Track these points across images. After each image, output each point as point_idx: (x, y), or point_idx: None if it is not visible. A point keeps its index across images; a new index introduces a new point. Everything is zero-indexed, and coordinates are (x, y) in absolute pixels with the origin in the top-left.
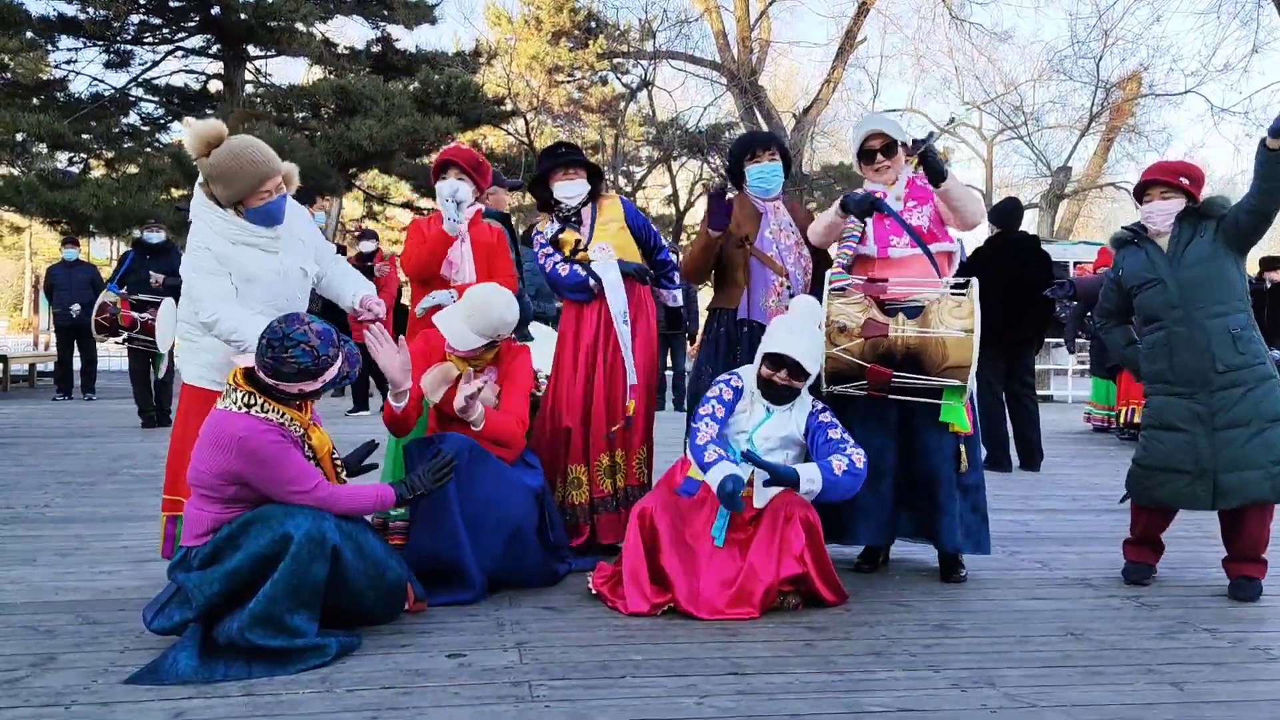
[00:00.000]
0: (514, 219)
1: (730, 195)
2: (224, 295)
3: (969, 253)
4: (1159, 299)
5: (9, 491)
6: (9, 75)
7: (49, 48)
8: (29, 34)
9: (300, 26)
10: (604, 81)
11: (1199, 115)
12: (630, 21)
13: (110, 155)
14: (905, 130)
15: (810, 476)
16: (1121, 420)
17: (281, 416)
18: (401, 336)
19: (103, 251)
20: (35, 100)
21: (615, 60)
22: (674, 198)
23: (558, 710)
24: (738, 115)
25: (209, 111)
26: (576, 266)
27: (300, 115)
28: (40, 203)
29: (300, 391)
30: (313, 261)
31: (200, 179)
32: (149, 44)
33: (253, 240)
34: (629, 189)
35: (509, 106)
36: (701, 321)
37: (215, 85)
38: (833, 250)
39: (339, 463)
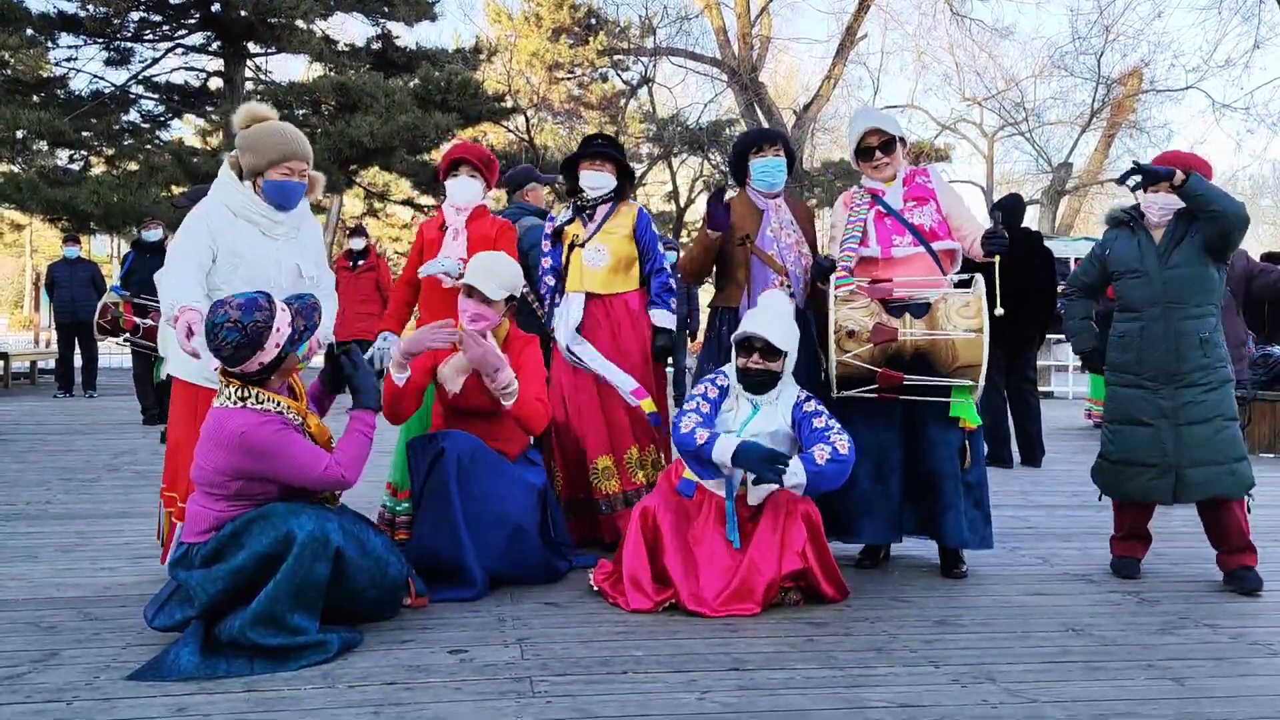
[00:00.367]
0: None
1: (730, 195)
2: (186, 267)
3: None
4: (1141, 291)
5: (11, 488)
6: (9, 72)
7: (49, 45)
8: (29, 31)
9: (300, 24)
10: (604, 78)
11: (1200, 111)
12: (630, 18)
13: (111, 152)
14: (903, 126)
15: (793, 470)
16: None
17: (278, 406)
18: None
19: (103, 249)
20: (36, 97)
21: (615, 57)
22: (674, 194)
23: (559, 705)
24: (738, 112)
25: (209, 109)
26: (548, 277)
27: (301, 112)
28: (41, 200)
29: (262, 365)
30: (312, 265)
31: (228, 154)
32: (149, 41)
33: (255, 217)
34: None
35: (509, 103)
36: (703, 320)
37: (216, 82)
38: (835, 253)
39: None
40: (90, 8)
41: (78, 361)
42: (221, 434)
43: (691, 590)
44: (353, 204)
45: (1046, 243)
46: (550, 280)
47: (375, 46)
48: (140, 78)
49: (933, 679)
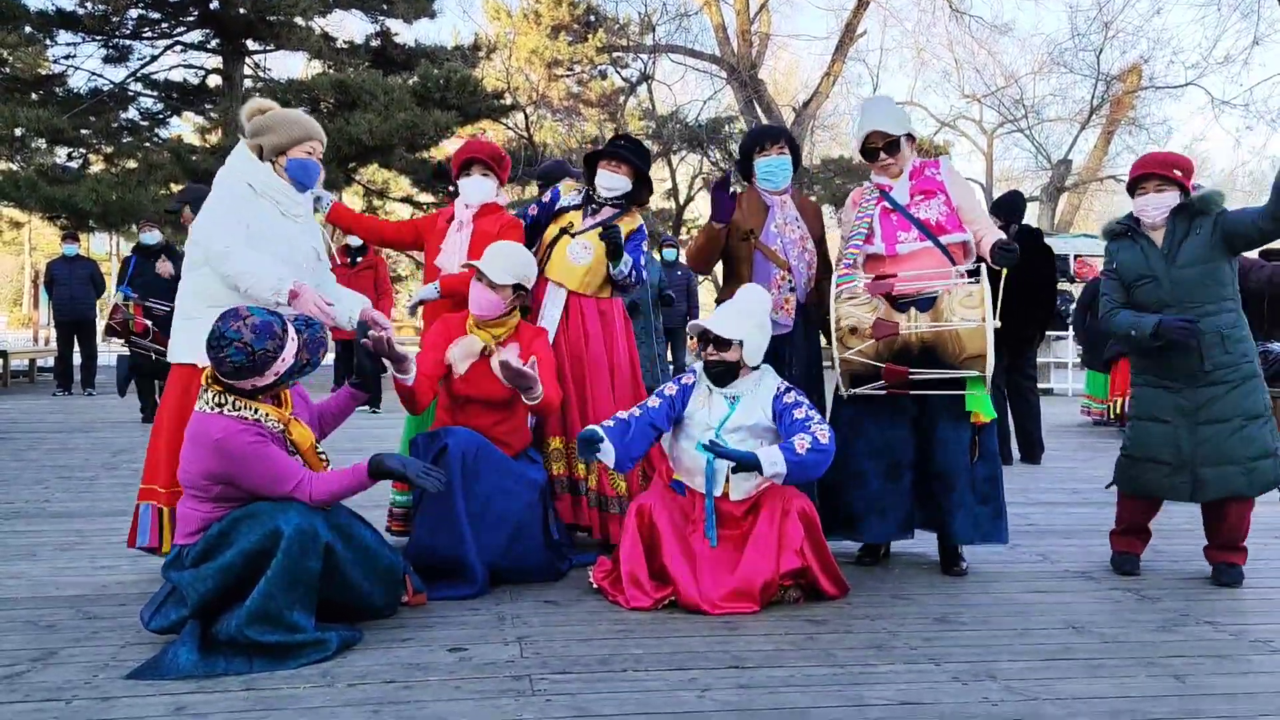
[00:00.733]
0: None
1: (734, 188)
2: (240, 237)
3: None
4: (1152, 295)
5: (9, 486)
6: (8, 70)
7: (48, 42)
8: (28, 29)
9: (299, 21)
10: (603, 75)
11: (1199, 108)
12: (630, 15)
13: (109, 150)
14: (909, 119)
15: (772, 460)
16: (1113, 412)
17: (256, 413)
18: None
19: (102, 247)
20: (34, 95)
21: (615, 54)
22: (674, 192)
23: (559, 704)
24: (737, 109)
25: (208, 106)
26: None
27: (300, 110)
28: (40, 198)
29: (254, 387)
30: (323, 246)
31: (244, 140)
32: (148, 39)
33: (277, 196)
34: None
35: (508, 101)
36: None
37: (214, 80)
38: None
39: (324, 456)
40: (89, 5)
41: (76, 360)
42: (200, 437)
43: (691, 587)
44: (351, 201)
45: (1046, 239)
46: (531, 211)
47: (374, 44)
48: (139, 75)
49: (933, 677)
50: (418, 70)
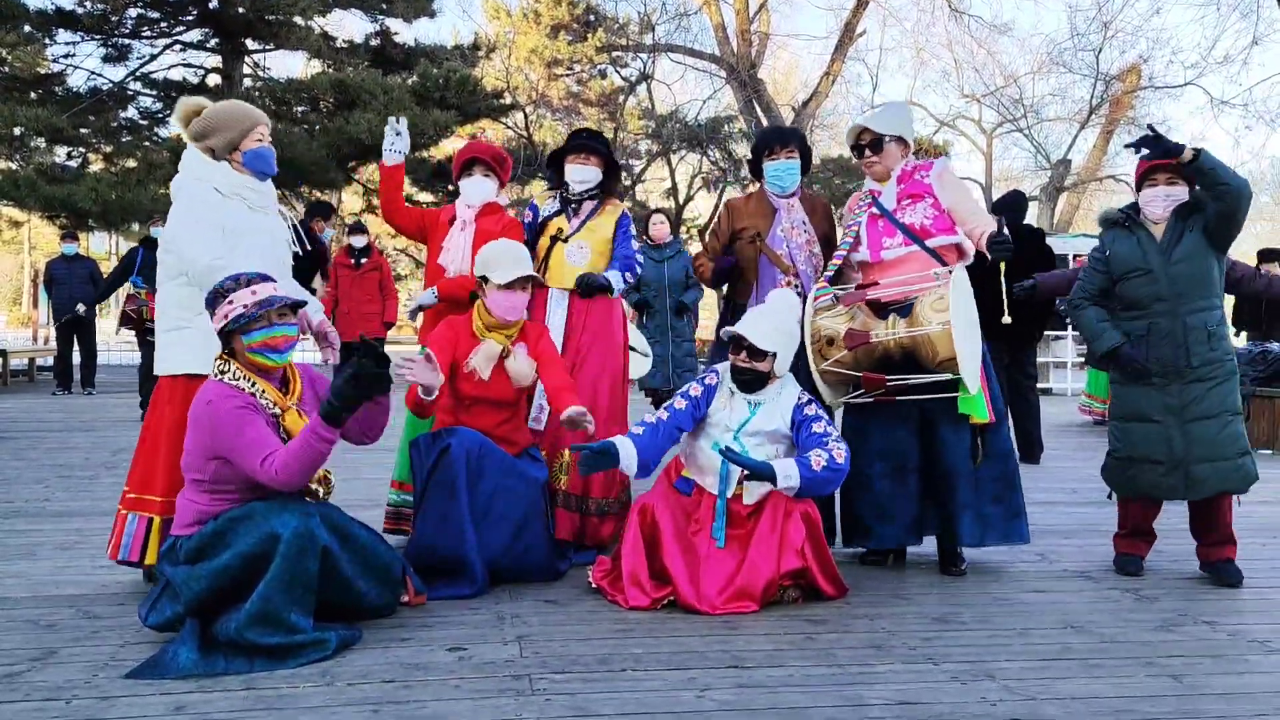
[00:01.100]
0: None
1: (734, 193)
2: (214, 239)
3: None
4: (1146, 289)
5: (9, 486)
6: (7, 69)
7: (47, 41)
8: (27, 28)
9: (299, 20)
10: (603, 75)
11: (1199, 107)
12: (629, 15)
13: (109, 149)
14: (907, 124)
15: (787, 473)
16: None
17: (253, 386)
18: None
19: (102, 246)
20: (33, 94)
21: (614, 54)
22: (673, 191)
23: (558, 703)
24: (737, 109)
25: None
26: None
27: (299, 109)
28: (39, 197)
29: (216, 332)
30: (288, 234)
31: (190, 145)
32: (147, 38)
33: (242, 192)
34: (628, 182)
35: (508, 100)
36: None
37: (214, 79)
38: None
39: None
40: (88, 4)
41: (76, 359)
42: (195, 405)
43: (690, 587)
44: (351, 200)
45: (1045, 239)
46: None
47: (374, 43)
48: (138, 74)
49: (932, 676)
50: (417, 70)
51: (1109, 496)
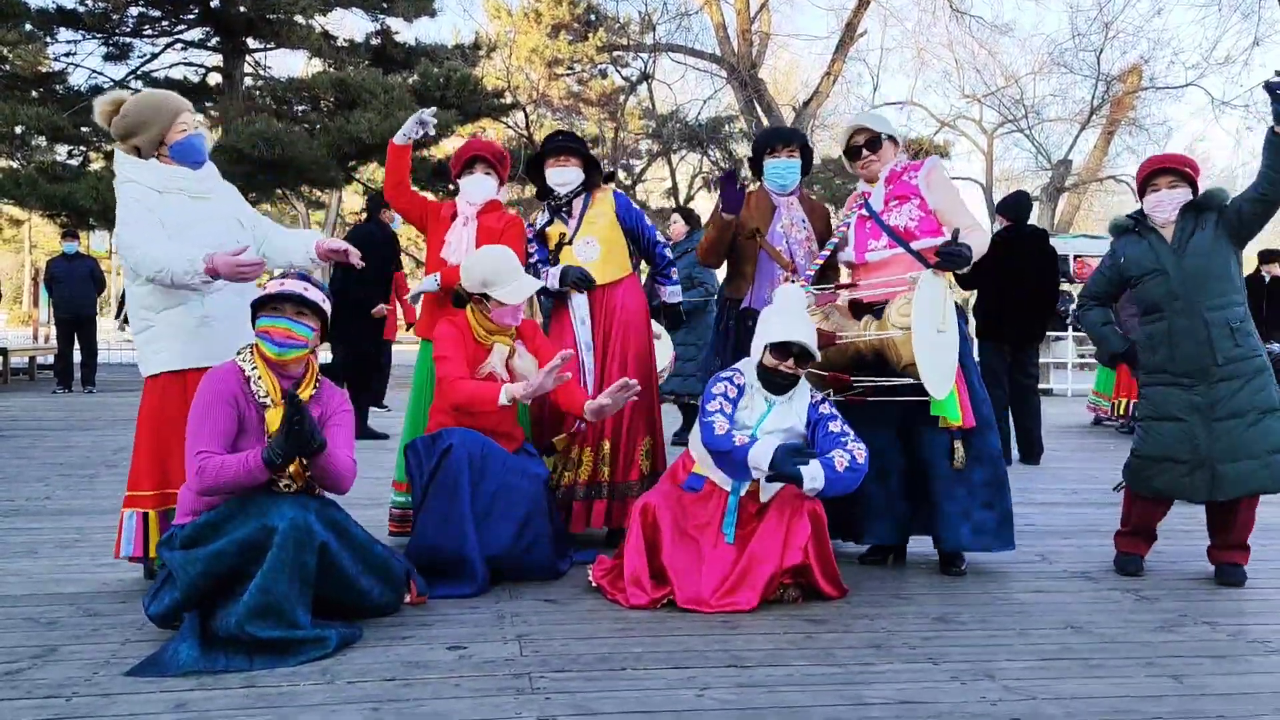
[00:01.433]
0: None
1: (744, 182)
2: (153, 236)
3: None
4: (1161, 289)
5: (10, 484)
6: (8, 67)
7: (48, 40)
8: (28, 26)
9: (300, 19)
10: (603, 74)
11: (1200, 108)
12: (630, 14)
13: (110, 148)
14: (903, 122)
15: (813, 475)
16: (1116, 411)
17: (254, 370)
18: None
19: (102, 244)
20: (34, 93)
21: (615, 53)
22: (674, 191)
23: (558, 702)
24: (738, 108)
25: (208, 104)
26: (544, 269)
27: (300, 108)
28: (40, 195)
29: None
30: (246, 212)
31: (118, 145)
32: (148, 36)
33: (180, 184)
34: (629, 182)
35: (508, 99)
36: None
37: (214, 78)
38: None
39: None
40: (89, 3)
41: (77, 357)
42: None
43: (688, 588)
44: (352, 200)
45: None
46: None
47: (374, 42)
48: (139, 73)
49: (932, 676)
50: (418, 69)
51: (1115, 489)
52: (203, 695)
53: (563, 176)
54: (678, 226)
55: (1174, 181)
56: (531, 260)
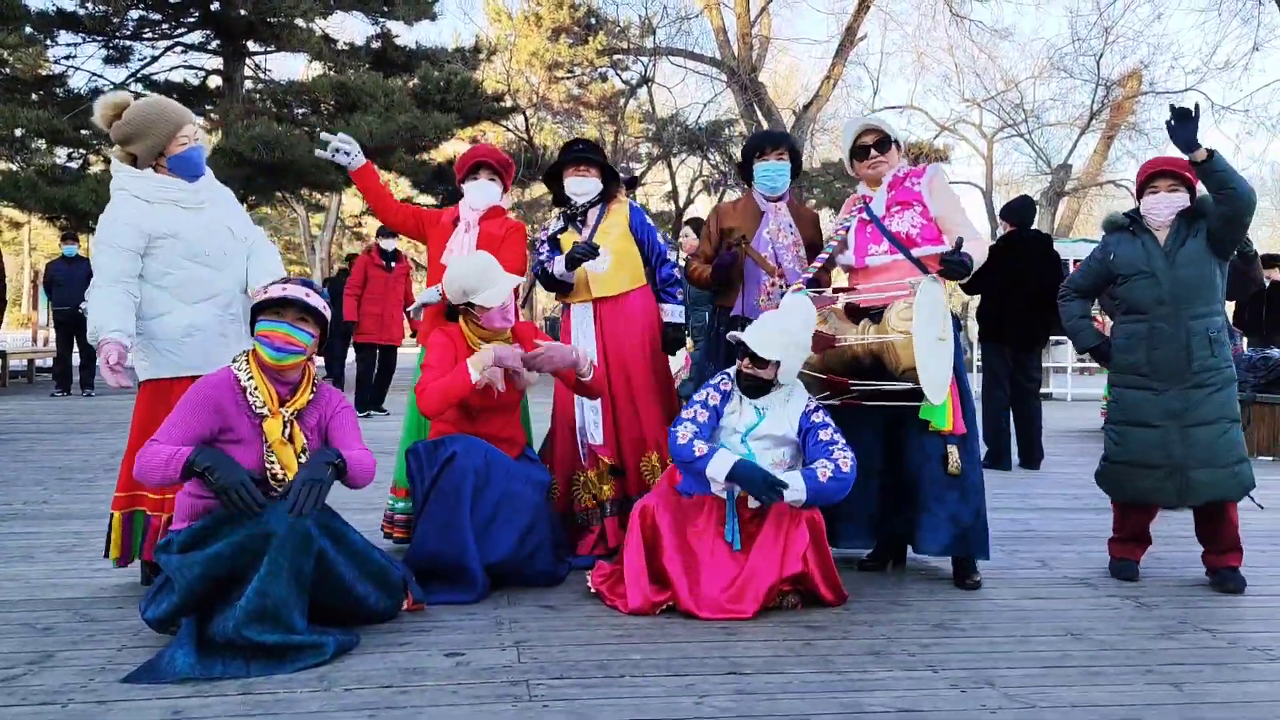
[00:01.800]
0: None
1: (733, 198)
2: (113, 293)
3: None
4: (1149, 292)
5: (7, 487)
6: (8, 70)
7: (48, 43)
8: (28, 29)
9: (300, 22)
10: (604, 78)
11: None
12: (630, 18)
13: (109, 152)
14: (903, 126)
15: (795, 486)
16: None
17: (250, 380)
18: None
19: None
20: (34, 96)
21: (615, 57)
22: (674, 194)
23: (556, 709)
24: (738, 112)
25: (208, 108)
26: (561, 266)
27: (300, 111)
28: (39, 198)
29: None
30: (240, 223)
31: (115, 149)
32: (148, 40)
33: (173, 195)
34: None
35: (509, 103)
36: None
37: (215, 81)
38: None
39: (303, 461)
40: (89, 6)
41: (75, 360)
42: None
43: (690, 591)
44: (352, 203)
45: (1052, 245)
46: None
47: (375, 46)
48: (139, 76)
49: (931, 683)
50: (418, 72)
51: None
52: (199, 702)
53: (581, 186)
54: (690, 241)
55: (1174, 185)
56: (541, 259)
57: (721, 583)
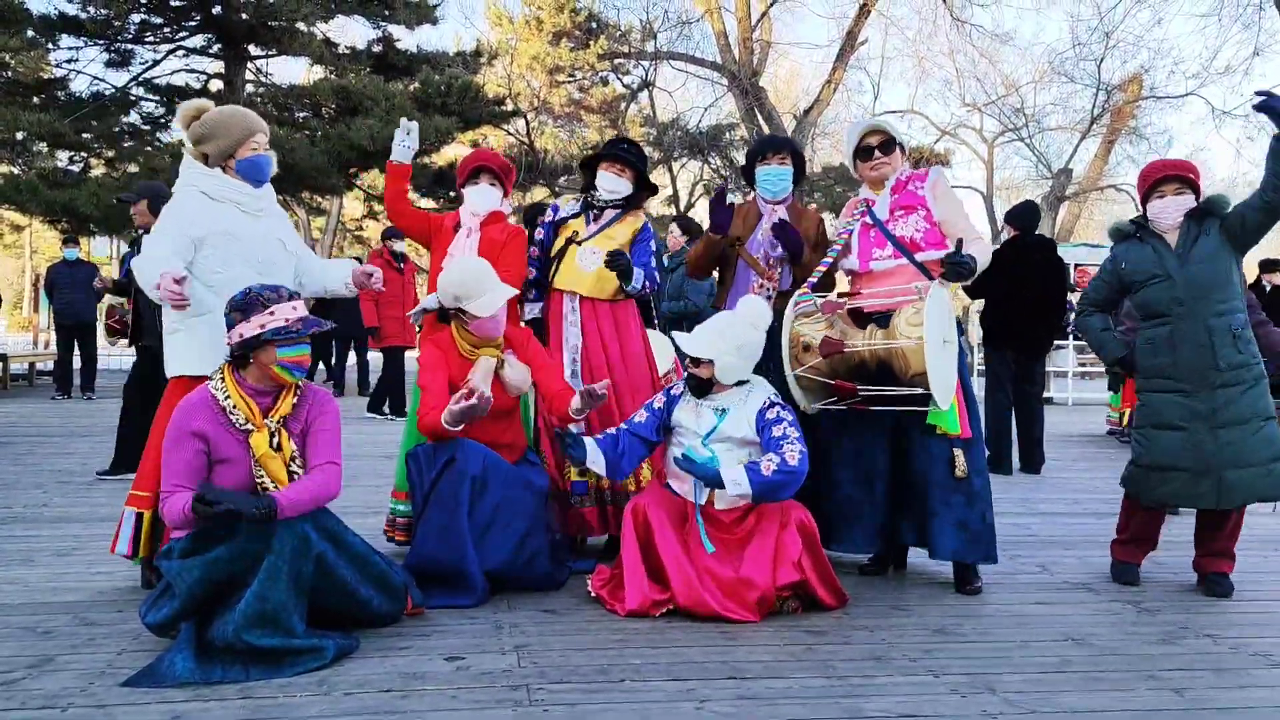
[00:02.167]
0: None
1: (732, 198)
2: (164, 255)
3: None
4: (1165, 295)
5: (7, 491)
6: (10, 74)
7: (50, 46)
8: (30, 32)
9: (301, 26)
10: (605, 82)
11: (1200, 118)
12: (631, 22)
13: (111, 154)
14: (903, 131)
15: (736, 480)
16: (1125, 421)
17: (227, 398)
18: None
19: (103, 250)
20: (36, 99)
21: (616, 61)
22: (674, 198)
23: (556, 714)
24: (738, 116)
25: None
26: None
27: (301, 115)
28: (41, 201)
29: (241, 339)
30: (292, 238)
31: (189, 148)
32: (150, 43)
33: (235, 197)
34: None
35: (510, 107)
36: None
37: (216, 85)
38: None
39: (297, 472)
40: (91, 10)
41: (76, 364)
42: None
43: (687, 586)
44: (352, 206)
45: (1056, 250)
46: (533, 251)
47: (376, 49)
48: (141, 80)
49: (932, 689)
50: (419, 76)
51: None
52: (199, 706)
53: (614, 184)
54: (674, 237)
55: (1179, 189)
56: (539, 236)
57: (718, 589)
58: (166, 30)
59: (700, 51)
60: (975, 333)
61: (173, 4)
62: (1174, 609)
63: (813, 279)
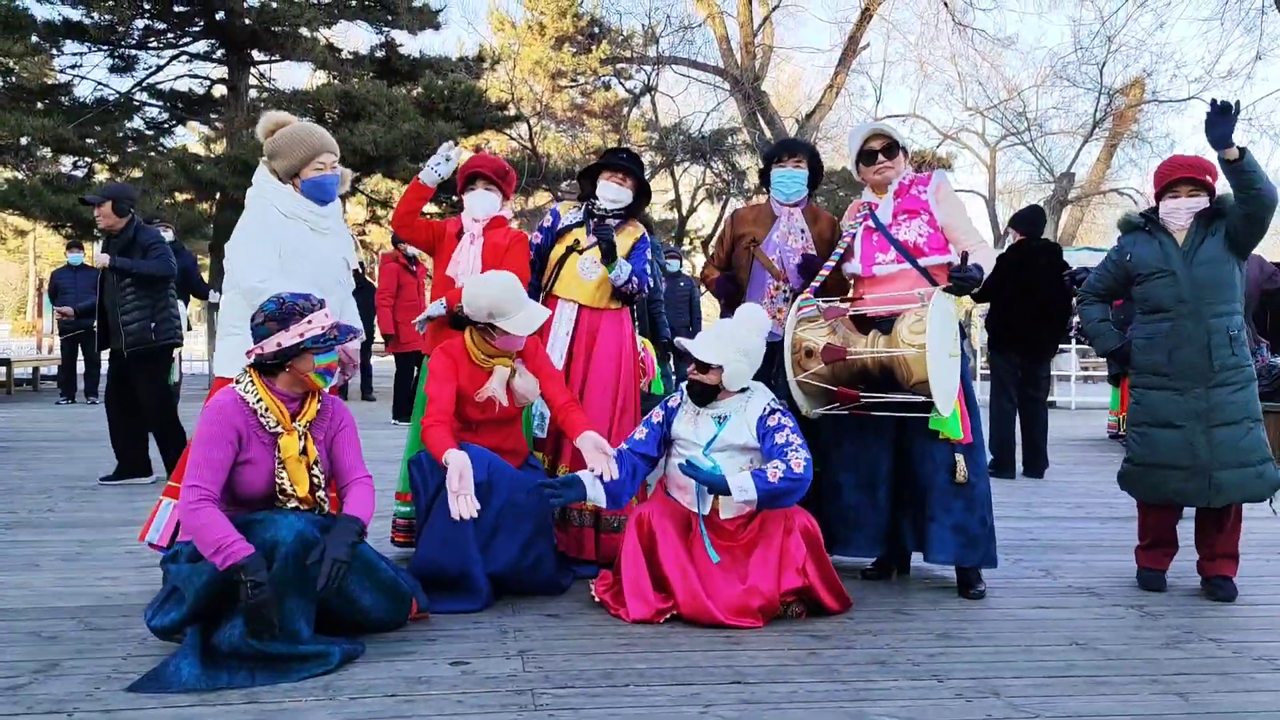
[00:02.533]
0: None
1: (744, 203)
2: (266, 260)
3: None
4: (1168, 291)
5: (12, 496)
6: (14, 79)
7: (54, 52)
8: (34, 38)
9: (304, 32)
10: (607, 87)
11: (1202, 122)
12: (633, 27)
13: (114, 159)
14: (906, 135)
15: (742, 486)
16: (1124, 426)
17: (258, 401)
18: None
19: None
20: (40, 104)
21: (618, 65)
22: (676, 203)
23: (561, 718)
24: (741, 121)
25: (213, 116)
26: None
27: (304, 120)
28: (44, 206)
29: (279, 347)
30: (352, 253)
31: (263, 160)
32: (154, 49)
33: (304, 215)
34: None
35: (512, 111)
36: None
37: (219, 90)
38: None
39: (318, 477)
40: (95, 15)
41: (80, 368)
42: (210, 400)
43: (691, 595)
44: (356, 211)
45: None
46: (536, 239)
47: (379, 55)
48: (144, 85)
49: (936, 693)
50: (422, 81)
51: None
52: (205, 711)
53: (615, 194)
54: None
55: (1194, 191)
56: (535, 241)
57: (722, 595)
58: (170, 36)
59: (702, 56)
60: (979, 336)
61: (176, 10)
62: (1178, 613)
63: (815, 284)
